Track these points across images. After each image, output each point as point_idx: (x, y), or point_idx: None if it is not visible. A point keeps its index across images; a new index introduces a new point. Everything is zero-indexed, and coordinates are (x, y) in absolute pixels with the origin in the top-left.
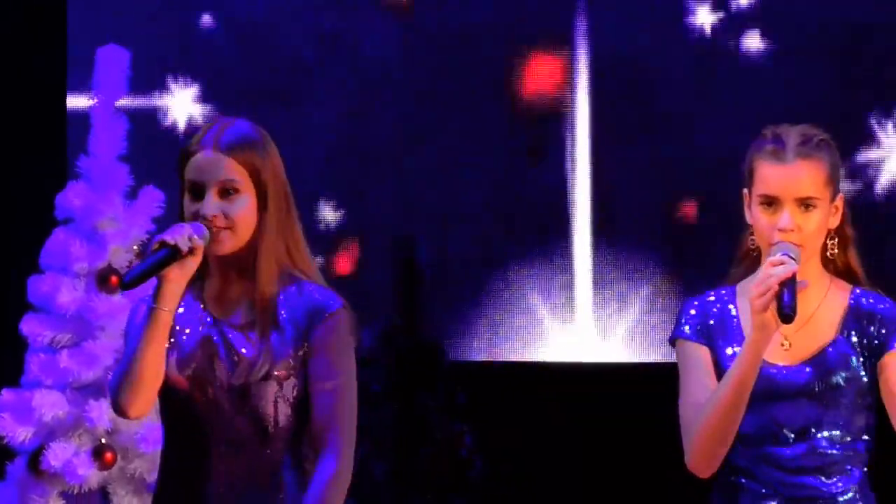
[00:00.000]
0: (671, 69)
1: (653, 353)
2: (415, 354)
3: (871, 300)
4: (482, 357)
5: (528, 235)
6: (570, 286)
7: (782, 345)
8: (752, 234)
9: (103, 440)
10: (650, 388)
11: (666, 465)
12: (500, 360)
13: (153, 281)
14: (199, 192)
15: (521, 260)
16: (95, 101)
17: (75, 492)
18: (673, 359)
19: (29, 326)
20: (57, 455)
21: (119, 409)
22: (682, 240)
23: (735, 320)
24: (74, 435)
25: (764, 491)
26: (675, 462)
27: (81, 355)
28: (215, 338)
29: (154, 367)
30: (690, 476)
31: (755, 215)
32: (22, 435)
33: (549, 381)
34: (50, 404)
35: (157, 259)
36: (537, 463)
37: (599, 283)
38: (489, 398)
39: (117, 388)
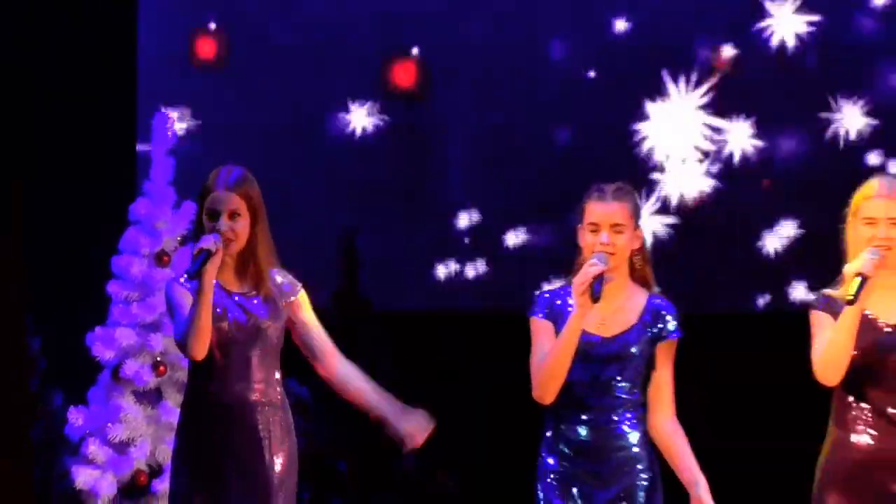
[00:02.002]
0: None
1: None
2: (355, 306)
3: (661, 303)
4: (401, 306)
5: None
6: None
7: (601, 323)
8: (582, 253)
9: (158, 358)
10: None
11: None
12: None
13: (186, 263)
14: (215, 216)
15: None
16: (153, 146)
17: (141, 391)
18: None
19: (112, 288)
20: (130, 368)
21: (191, 354)
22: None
23: (570, 309)
24: (140, 355)
25: (582, 415)
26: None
27: (145, 306)
28: (229, 301)
29: (209, 319)
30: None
31: (585, 238)
32: (108, 355)
33: (437, 321)
34: (125, 336)
35: (202, 259)
36: (437, 376)
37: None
38: (403, 332)
39: (188, 341)
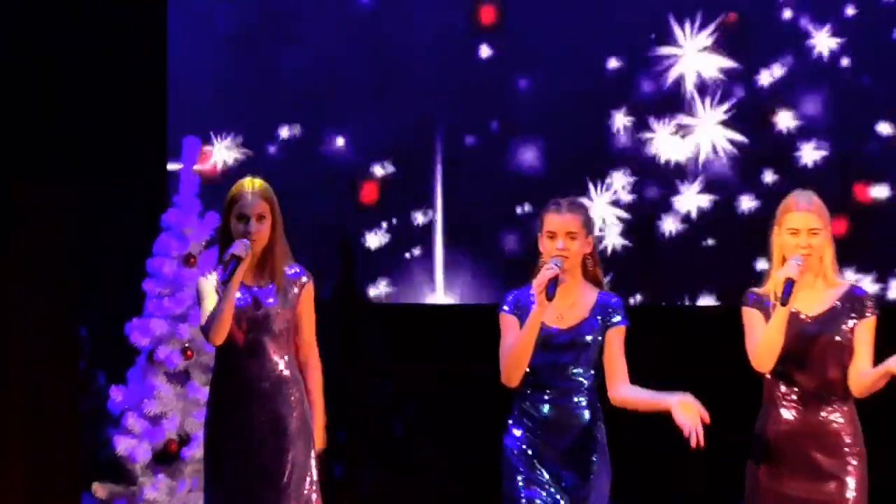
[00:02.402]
0: None
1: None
2: (352, 298)
3: (610, 298)
4: (391, 300)
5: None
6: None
7: (559, 317)
8: (542, 257)
9: (186, 345)
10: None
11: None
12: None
13: (211, 263)
14: (245, 219)
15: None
16: (182, 165)
17: (172, 372)
18: None
19: (147, 285)
20: (162, 353)
21: (211, 340)
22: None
23: (533, 305)
24: (171, 342)
25: (544, 395)
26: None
27: (175, 300)
28: (246, 292)
29: (231, 314)
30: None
31: (544, 245)
32: (143, 342)
33: (428, 316)
34: (158, 326)
35: (235, 265)
36: (421, 356)
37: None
38: (396, 323)
39: (212, 329)
